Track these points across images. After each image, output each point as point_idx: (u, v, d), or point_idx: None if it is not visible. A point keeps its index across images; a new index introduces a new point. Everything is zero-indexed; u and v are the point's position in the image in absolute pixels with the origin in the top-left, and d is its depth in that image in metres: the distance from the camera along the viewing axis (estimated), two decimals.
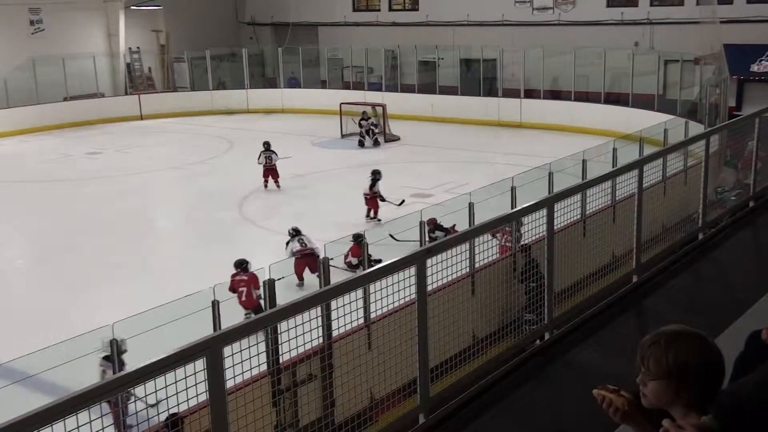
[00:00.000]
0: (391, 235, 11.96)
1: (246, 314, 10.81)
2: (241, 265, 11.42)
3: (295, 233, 13.47)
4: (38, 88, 29.06)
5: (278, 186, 19.62)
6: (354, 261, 12.92)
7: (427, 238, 11.75)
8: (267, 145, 19.90)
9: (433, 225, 13.21)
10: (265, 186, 19.56)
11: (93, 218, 17.56)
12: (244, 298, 11.07)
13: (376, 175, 16.93)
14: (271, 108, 32.42)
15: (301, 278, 12.90)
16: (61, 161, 24.02)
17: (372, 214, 16.64)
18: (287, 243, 13.43)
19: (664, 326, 2.36)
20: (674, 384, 2.23)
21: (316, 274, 11.37)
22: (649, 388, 2.28)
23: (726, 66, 22.58)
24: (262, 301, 10.27)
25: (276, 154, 19.80)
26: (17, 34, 29.71)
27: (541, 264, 6.25)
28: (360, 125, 25.40)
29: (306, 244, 13.16)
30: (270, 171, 19.64)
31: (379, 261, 5.56)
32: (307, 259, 12.84)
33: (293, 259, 12.77)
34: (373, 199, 16.65)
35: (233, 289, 11.13)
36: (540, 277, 6.39)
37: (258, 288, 10.83)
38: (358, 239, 12.02)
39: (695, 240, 8.49)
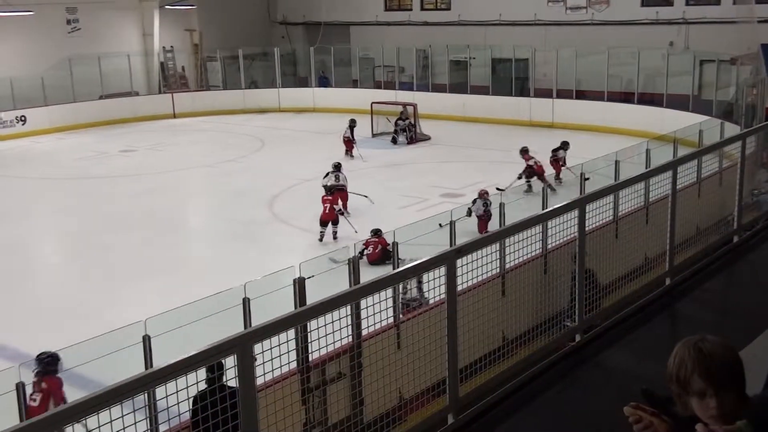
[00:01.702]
0: (440, 224, 11.79)
1: (321, 229, 14.87)
2: (330, 191, 15.46)
3: (335, 168, 16.51)
4: (74, 87, 29.47)
5: (347, 210, 16.41)
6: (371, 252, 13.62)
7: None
8: (337, 167, 17.40)
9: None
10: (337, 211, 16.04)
11: (126, 215, 17.77)
12: (327, 212, 14.99)
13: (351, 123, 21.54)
14: (302, 107, 32.55)
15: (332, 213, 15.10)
16: (96, 158, 24.35)
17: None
18: (326, 175, 16.12)
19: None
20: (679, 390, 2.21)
21: (339, 212, 15.29)
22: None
23: (764, 66, 22.23)
24: (340, 216, 15.17)
25: (343, 176, 17.15)
26: (54, 33, 30.16)
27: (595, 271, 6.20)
28: (396, 124, 25.48)
29: (340, 180, 15.89)
30: (339, 194, 16.34)
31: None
32: (338, 193, 15.59)
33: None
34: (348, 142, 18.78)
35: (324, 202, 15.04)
36: (593, 287, 6.37)
37: (337, 204, 15.33)
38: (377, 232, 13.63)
39: (730, 242, 8.37)
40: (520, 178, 18.29)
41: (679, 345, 2.29)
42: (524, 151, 19.03)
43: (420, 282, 7.46)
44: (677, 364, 2.25)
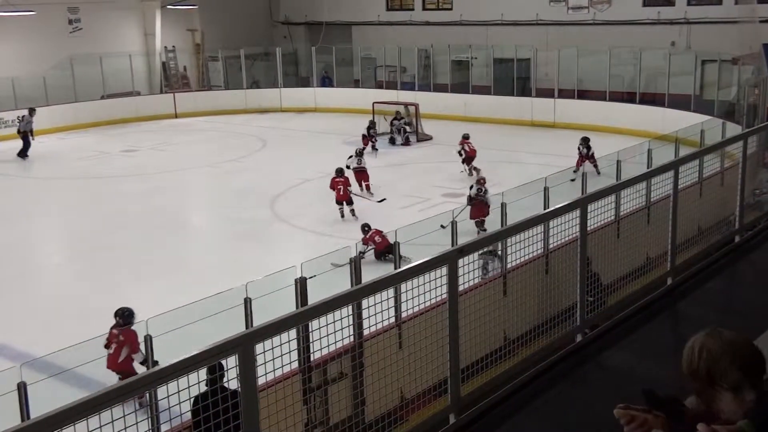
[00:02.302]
0: (442, 225, 12.44)
1: (339, 207, 16.72)
2: (341, 174, 16.91)
3: (358, 154, 18.74)
4: (76, 87, 29.50)
5: (369, 190, 18.52)
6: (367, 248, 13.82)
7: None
8: (359, 153, 19.19)
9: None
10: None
11: (128, 215, 17.78)
12: (341, 193, 16.65)
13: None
14: (304, 107, 32.56)
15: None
16: (97, 158, 24.37)
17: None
18: (349, 157, 18.31)
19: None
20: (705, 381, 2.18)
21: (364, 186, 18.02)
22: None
23: (765, 66, 22.22)
24: (353, 195, 16.89)
25: (364, 160, 19.14)
26: (56, 33, 30.19)
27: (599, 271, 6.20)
28: (392, 124, 25.45)
29: (362, 163, 18.19)
30: (360, 174, 18.65)
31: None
32: (360, 174, 17.84)
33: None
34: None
35: (332, 186, 16.71)
36: (598, 292, 6.38)
37: (350, 186, 16.97)
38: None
39: (732, 242, 8.36)
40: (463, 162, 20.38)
41: (699, 339, 2.21)
42: (464, 137, 20.83)
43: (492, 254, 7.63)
44: (706, 357, 2.18)
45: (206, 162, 23.71)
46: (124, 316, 9.11)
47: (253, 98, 32.75)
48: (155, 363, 7.61)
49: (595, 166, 19.43)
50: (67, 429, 2.98)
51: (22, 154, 24.33)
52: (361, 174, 18.50)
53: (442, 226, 12.78)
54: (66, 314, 12.07)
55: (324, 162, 21.18)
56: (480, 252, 8.13)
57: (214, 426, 3.80)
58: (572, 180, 15.85)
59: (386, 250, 13.26)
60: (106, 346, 8.87)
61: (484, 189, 15.50)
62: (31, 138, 24.45)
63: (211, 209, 19.62)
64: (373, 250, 13.71)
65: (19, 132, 24.62)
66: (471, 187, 15.78)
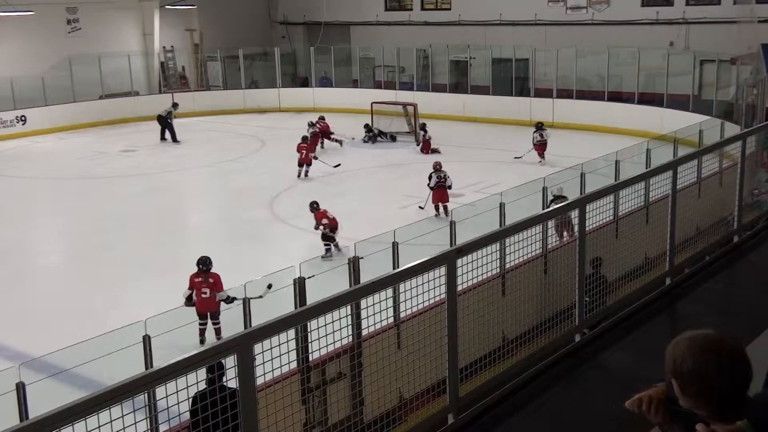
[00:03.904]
0: (420, 207, 16.25)
1: (299, 168, 20.58)
2: (305, 140, 21.26)
3: (435, 169, 17.18)
4: (75, 87, 29.47)
5: (446, 213, 16.15)
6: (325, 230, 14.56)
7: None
8: (438, 166, 17.31)
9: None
10: (437, 213, 16.62)
11: (126, 215, 17.77)
12: (304, 156, 20.51)
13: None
14: (302, 107, 32.55)
15: (437, 209, 16.67)
16: (96, 158, 24.35)
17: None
18: (430, 175, 17.03)
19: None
20: (681, 384, 2.20)
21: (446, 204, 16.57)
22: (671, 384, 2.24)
23: (764, 66, 22.23)
24: (313, 158, 20.97)
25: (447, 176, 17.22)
26: (54, 33, 30.16)
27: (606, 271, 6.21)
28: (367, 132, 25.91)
29: (443, 179, 16.91)
30: (439, 193, 16.86)
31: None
32: (440, 190, 16.86)
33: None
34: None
35: (297, 149, 20.74)
36: (604, 294, 6.40)
37: (313, 151, 21.59)
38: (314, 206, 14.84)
39: (730, 242, 8.37)
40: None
41: (705, 355, 2.18)
42: (320, 118, 24.73)
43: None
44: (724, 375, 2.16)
45: (204, 162, 23.70)
46: (207, 263, 11.10)
47: (251, 98, 32.74)
48: (232, 300, 9.94)
49: (542, 154, 21.33)
50: (65, 429, 2.98)
51: (171, 138, 26.46)
52: (442, 189, 16.96)
53: (420, 207, 16.59)
54: (65, 314, 12.06)
55: (323, 162, 21.19)
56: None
57: (212, 425, 3.80)
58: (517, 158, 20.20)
59: (332, 232, 14.36)
60: (189, 298, 10.90)
61: (442, 174, 16.82)
62: (170, 120, 26.77)
63: (210, 209, 19.61)
64: (320, 234, 14.43)
65: (162, 118, 26.72)
66: (430, 177, 16.94)
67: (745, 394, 2.20)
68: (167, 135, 26.59)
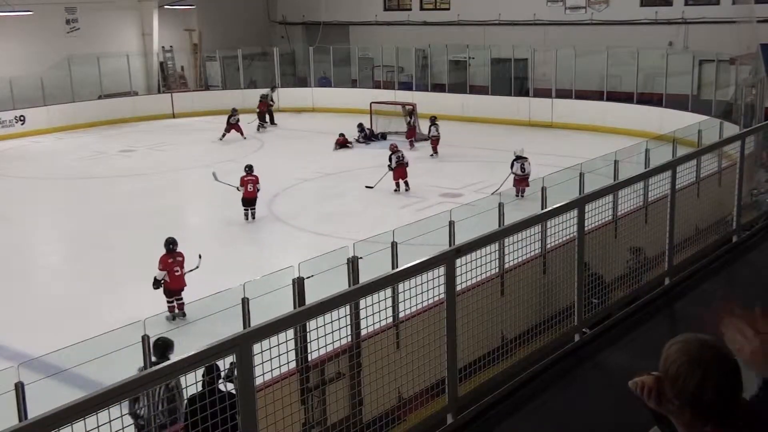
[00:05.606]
0: (369, 186, 18.30)
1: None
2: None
3: (394, 151, 18.98)
4: (74, 87, 29.47)
5: (407, 188, 18.87)
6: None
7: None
8: (395, 147, 19.45)
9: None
10: (396, 189, 18.85)
11: (126, 215, 17.76)
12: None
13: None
14: (301, 107, 32.54)
15: (398, 185, 18.70)
16: (95, 158, 24.34)
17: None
18: (390, 156, 18.80)
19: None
20: (666, 384, 2.20)
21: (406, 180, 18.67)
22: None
23: (763, 66, 22.22)
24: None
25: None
26: (53, 33, 30.14)
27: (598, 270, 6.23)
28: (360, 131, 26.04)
29: (402, 159, 18.78)
30: (400, 171, 18.89)
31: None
32: (400, 168, 18.62)
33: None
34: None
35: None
36: (603, 295, 6.39)
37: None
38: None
39: (729, 242, 8.37)
40: None
41: (692, 365, 2.19)
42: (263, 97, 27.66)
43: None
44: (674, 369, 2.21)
45: (204, 162, 23.66)
46: (175, 242, 12.22)
47: (250, 98, 32.71)
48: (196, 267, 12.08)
49: (434, 147, 22.85)
50: (64, 429, 2.98)
51: (270, 120, 29.07)
52: (403, 168, 19.02)
53: (369, 187, 18.44)
54: (65, 314, 12.06)
55: (322, 162, 21.20)
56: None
57: (209, 427, 3.80)
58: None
59: (252, 200, 16.16)
60: (163, 277, 11.80)
61: (400, 154, 18.78)
62: (271, 104, 29.63)
63: (209, 209, 19.59)
64: (241, 198, 16.28)
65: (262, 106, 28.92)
66: (390, 159, 18.70)
67: (734, 404, 2.17)
68: (267, 118, 29.03)
